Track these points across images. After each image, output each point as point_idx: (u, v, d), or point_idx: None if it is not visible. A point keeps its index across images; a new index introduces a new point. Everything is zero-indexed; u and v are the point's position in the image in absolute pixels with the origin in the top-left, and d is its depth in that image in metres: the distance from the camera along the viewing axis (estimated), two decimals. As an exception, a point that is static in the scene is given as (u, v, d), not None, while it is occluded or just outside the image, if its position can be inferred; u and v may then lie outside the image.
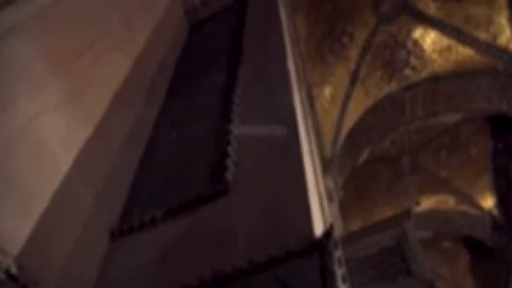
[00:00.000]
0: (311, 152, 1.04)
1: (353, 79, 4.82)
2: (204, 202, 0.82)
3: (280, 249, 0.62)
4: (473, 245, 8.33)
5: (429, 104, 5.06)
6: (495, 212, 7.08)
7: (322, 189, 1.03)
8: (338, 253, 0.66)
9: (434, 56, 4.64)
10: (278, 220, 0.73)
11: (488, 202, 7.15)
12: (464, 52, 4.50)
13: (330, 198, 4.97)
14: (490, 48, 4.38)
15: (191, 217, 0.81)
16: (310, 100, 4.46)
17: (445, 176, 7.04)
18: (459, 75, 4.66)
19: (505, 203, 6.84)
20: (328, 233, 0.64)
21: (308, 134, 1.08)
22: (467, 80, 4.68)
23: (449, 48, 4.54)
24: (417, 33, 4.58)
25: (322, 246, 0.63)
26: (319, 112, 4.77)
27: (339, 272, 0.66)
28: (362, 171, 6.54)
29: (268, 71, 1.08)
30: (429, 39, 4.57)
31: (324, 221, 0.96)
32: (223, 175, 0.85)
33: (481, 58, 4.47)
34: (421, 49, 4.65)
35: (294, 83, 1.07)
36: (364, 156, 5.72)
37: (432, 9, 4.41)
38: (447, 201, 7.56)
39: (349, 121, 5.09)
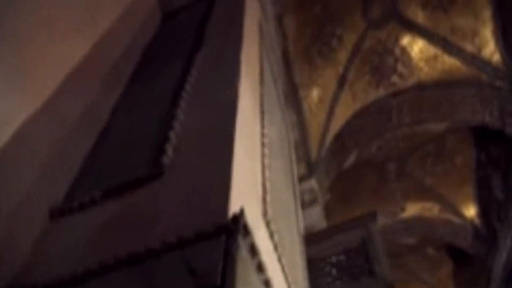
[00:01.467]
0: (255, 143, 1.05)
1: (341, 83, 4.87)
2: (139, 184, 0.83)
3: (192, 231, 0.63)
4: (456, 253, 8.50)
5: (415, 112, 5.15)
6: (477, 221, 7.25)
7: (267, 180, 1.03)
8: (250, 240, 0.67)
9: (421, 64, 4.73)
10: (200, 204, 0.74)
11: (471, 211, 7.31)
12: (450, 62, 4.60)
13: (314, 200, 5.01)
14: (475, 60, 4.48)
15: (126, 199, 0.82)
16: (296, 99, 4.47)
17: (430, 184, 7.17)
18: (445, 85, 4.76)
19: (486, 213, 7.00)
20: (235, 217, 0.65)
21: (252, 125, 1.08)
22: (452, 90, 4.78)
23: (435, 57, 4.63)
24: (405, 40, 4.66)
25: (228, 230, 0.63)
26: (306, 114, 4.80)
27: (254, 259, 0.66)
28: (348, 175, 6.62)
29: (221, 61, 1.09)
30: (416, 47, 4.65)
31: (264, 212, 0.97)
32: (160, 159, 0.85)
33: (467, 69, 4.57)
34: (409, 57, 4.73)
35: (243, 75, 1.08)
36: (351, 159, 5.78)
37: (420, 18, 4.49)
38: (431, 209, 7.70)
39: (336, 124, 5.14)
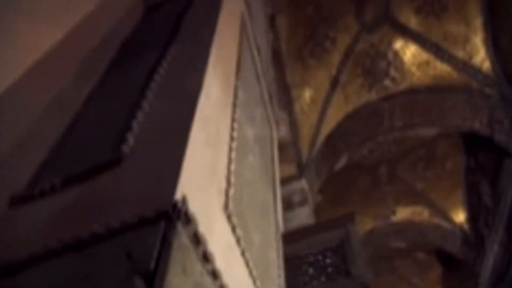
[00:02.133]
0: (220, 135, 1.05)
1: (334, 84, 4.90)
2: (98, 172, 0.84)
3: (136, 216, 0.64)
4: (445, 258, 8.58)
5: (407, 116, 5.19)
6: (466, 227, 7.33)
7: (232, 174, 1.04)
8: (192, 228, 0.67)
9: (413, 69, 4.77)
10: (150, 191, 0.75)
11: (460, 217, 7.39)
12: (441, 68, 4.64)
13: (304, 201, 5.03)
14: (466, 67, 4.54)
15: (85, 186, 0.83)
16: (288, 99, 4.47)
17: (421, 188, 7.24)
18: (437, 90, 4.81)
19: (475, 219, 7.08)
20: (175, 205, 0.65)
21: (219, 117, 1.09)
22: (443, 95, 4.83)
23: (427, 62, 4.67)
24: (398, 45, 4.70)
25: (168, 216, 0.63)
26: (298, 114, 4.81)
27: (199, 248, 0.66)
28: (340, 177, 6.65)
29: (193, 53, 1.10)
30: (409, 52, 4.69)
31: (226, 205, 0.97)
32: (120, 147, 0.86)
33: (458, 76, 4.62)
34: (401, 61, 4.77)
35: (214, 67, 1.09)
36: (342, 161, 5.81)
37: (413, 23, 4.53)
38: (421, 213, 7.77)
39: (328, 126, 5.16)
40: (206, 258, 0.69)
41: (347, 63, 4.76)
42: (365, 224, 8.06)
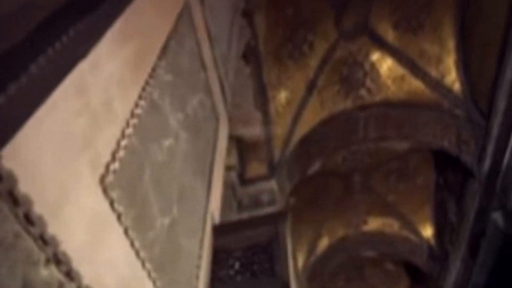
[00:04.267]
0: (113, 109, 1.04)
1: (310, 88, 4.94)
2: None
3: None
4: (413, 270, 8.81)
5: (380, 128, 5.30)
6: (433, 242, 7.56)
7: (121, 149, 1.02)
8: (9, 187, 0.65)
9: (389, 82, 4.87)
10: None
11: (428, 231, 7.62)
12: (416, 84, 4.76)
13: (273, 201, 5.04)
14: (438, 86, 4.67)
15: None
16: (264, 98, 4.45)
17: (392, 201, 7.41)
18: (410, 106, 4.92)
19: (441, 234, 7.31)
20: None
21: (118, 91, 1.07)
22: (416, 111, 4.95)
23: (403, 77, 4.78)
24: (375, 56, 4.79)
25: None
26: (272, 115, 4.83)
27: (18, 208, 0.64)
28: (314, 181, 6.73)
29: (95, 28, 1.08)
30: (385, 65, 4.79)
31: (102, 177, 0.95)
32: None
33: (430, 94, 4.75)
34: (377, 73, 4.87)
35: (109, 43, 1.07)
36: (316, 166, 5.88)
37: (390, 37, 4.63)
38: (392, 225, 7.96)
39: (302, 129, 5.21)
40: (29, 219, 0.66)
41: (324, 69, 4.82)
42: (337, 230, 8.19)
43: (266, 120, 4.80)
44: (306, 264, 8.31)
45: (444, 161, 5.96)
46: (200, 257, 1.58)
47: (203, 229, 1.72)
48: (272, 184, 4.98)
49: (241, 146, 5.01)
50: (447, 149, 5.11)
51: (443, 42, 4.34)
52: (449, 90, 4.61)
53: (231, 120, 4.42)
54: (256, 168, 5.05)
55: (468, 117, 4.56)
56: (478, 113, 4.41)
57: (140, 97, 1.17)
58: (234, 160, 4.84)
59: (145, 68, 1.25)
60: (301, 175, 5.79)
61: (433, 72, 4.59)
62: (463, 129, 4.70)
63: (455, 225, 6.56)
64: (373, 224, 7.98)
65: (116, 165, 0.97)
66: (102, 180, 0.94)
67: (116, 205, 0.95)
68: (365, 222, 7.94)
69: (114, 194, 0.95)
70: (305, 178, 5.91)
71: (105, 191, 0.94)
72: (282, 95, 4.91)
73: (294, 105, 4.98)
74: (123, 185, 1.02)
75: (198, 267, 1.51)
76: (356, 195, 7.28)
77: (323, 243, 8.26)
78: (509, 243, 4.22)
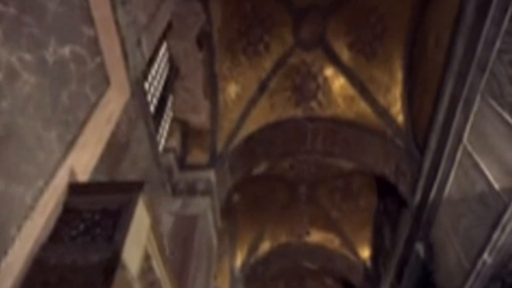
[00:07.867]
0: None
1: (262, 88, 4.96)
2: None
3: None
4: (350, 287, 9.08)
5: (328, 143, 5.40)
6: (368, 263, 7.84)
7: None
8: None
9: (339, 100, 4.98)
10: None
11: (365, 252, 7.88)
12: (364, 107, 4.89)
13: (208, 191, 5.00)
14: (384, 114, 4.81)
15: None
16: (214, 88, 4.38)
17: (336, 217, 7.60)
18: (357, 127, 5.03)
19: (376, 257, 7.59)
20: None
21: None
22: (362, 134, 5.08)
23: (353, 98, 4.90)
24: (329, 72, 4.87)
25: None
26: (220, 106, 4.81)
27: None
28: (261, 183, 6.77)
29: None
30: (338, 82, 4.89)
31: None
32: None
33: (377, 120, 4.89)
34: (329, 89, 4.96)
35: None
36: (261, 168, 5.91)
37: (345, 56, 4.72)
38: (333, 241, 8.17)
39: (250, 127, 5.21)
40: None
41: (277, 72, 4.84)
42: (280, 236, 8.29)
43: (214, 110, 4.76)
44: (246, 263, 8.36)
45: (385, 187, 6.18)
46: (31, 208, 1.50)
47: (47, 182, 1.65)
48: (211, 174, 4.95)
49: (186, 131, 4.95)
50: (388, 176, 5.28)
51: (392, 73, 4.48)
52: (393, 120, 4.75)
53: (176, 103, 4.35)
54: (197, 155, 5.01)
55: (407, 149, 4.72)
56: (415, 146, 4.58)
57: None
58: (175, 143, 4.78)
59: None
60: (245, 173, 5.80)
61: (381, 100, 4.73)
62: (402, 160, 4.87)
63: (389, 250, 6.83)
64: (316, 236, 8.15)
65: None
66: None
67: None
68: (308, 233, 8.09)
69: None
70: (250, 177, 5.93)
71: None
72: (233, 89, 4.89)
73: (244, 101, 4.97)
74: None
75: (32, 219, 1.43)
76: (301, 205, 7.41)
77: (265, 246, 8.34)
78: (428, 272, 4.37)
